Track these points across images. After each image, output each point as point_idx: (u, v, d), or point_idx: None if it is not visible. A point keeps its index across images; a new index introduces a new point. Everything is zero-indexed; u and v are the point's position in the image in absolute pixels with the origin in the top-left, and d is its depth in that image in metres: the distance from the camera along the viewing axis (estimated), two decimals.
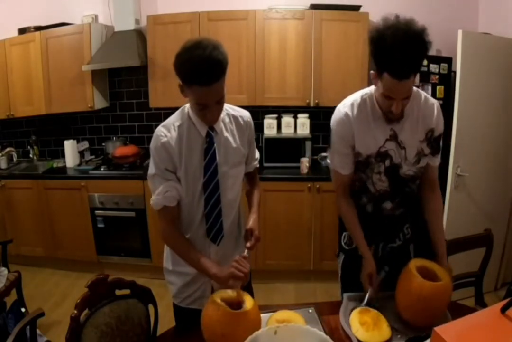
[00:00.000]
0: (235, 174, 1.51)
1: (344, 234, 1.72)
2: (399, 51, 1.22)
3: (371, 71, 1.39)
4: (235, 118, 1.51)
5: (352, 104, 1.50)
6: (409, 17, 1.29)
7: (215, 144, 1.43)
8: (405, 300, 1.39)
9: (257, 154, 1.67)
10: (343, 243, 1.73)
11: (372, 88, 1.49)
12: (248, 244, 1.45)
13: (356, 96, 1.52)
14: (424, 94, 1.52)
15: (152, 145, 1.42)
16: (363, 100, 1.49)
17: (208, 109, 1.32)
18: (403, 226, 1.66)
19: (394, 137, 1.48)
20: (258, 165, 1.68)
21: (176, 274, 1.57)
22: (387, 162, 1.49)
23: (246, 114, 1.55)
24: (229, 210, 1.52)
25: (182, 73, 1.26)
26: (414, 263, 1.43)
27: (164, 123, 1.44)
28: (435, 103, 1.52)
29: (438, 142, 1.56)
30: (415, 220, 1.63)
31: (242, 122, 1.52)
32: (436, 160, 1.58)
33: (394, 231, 1.65)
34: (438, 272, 1.40)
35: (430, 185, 1.59)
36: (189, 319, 1.52)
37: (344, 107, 1.51)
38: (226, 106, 1.48)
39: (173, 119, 1.44)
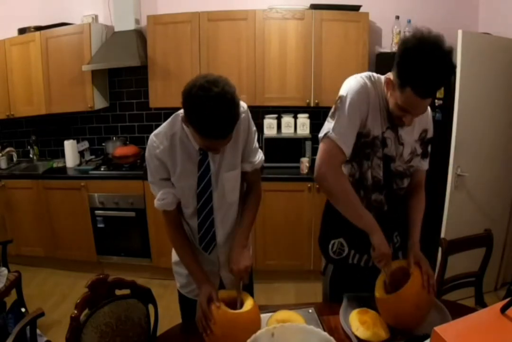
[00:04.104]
0: (231, 177, 1.46)
1: (332, 242, 1.59)
2: (426, 70, 1.19)
3: (387, 76, 1.36)
4: None
5: (369, 77, 1.41)
6: (438, 33, 1.22)
7: (209, 157, 1.40)
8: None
9: (258, 156, 1.52)
10: (331, 252, 1.60)
11: (381, 76, 1.43)
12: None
13: (369, 73, 1.43)
14: None
15: (146, 154, 1.42)
16: (376, 82, 1.42)
17: (213, 151, 1.33)
18: (392, 234, 1.58)
19: (394, 129, 1.44)
20: (257, 167, 1.53)
21: (182, 265, 1.55)
22: (385, 150, 1.45)
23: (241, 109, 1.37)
24: (226, 218, 1.50)
25: (194, 124, 1.20)
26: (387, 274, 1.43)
27: (156, 132, 1.41)
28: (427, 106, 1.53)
29: (428, 146, 1.57)
30: (403, 228, 1.57)
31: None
32: (425, 164, 1.59)
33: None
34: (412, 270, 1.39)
35: (416, 187, 1.59)
36: (195, 311, 1.50)
37: (362, 77, 1.40)
38: None
39: (166, 128, 1.40)
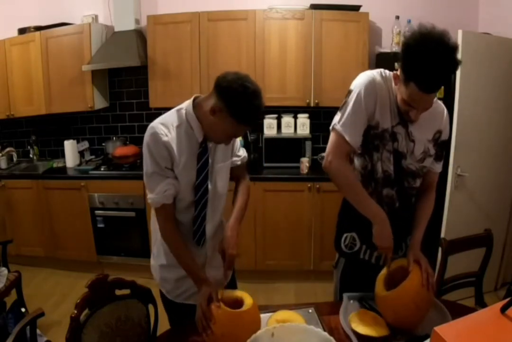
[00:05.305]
0: (224, 168, 1.52)
1: (345, 235, 1.62)
2: (430, 66, 1.19)
3: (394, 72, 1.38)
4: None
5: (379, 73, 1.44)
6: (443, 29, 1.23)
7: (209, 151, 1.44)
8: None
9: (243, 151, 1.63)
10: (343, 246, 1.62)
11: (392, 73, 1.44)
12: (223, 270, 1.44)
13: (381, 70, 1.46)
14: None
15: (151, 142, 1.35)
16: (387, 77, 1.44)
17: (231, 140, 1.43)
18: (406, 237, 1.58)
19: (404, 125, 1.45)
20: (244, 161, 1.63)
21: (171, 268, 1.52)
22: (395, 145, 1.46)
23: None
24: (216, 210, 1.53)
25: (239, 114, 1.29)
26: (387, 269, 1.45)
27: (162, 121, 1.39)
28: (445, 108, 1.55)
29: (443, 148, 1.57)
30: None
31: None
32: (438, 167, 1.59)
33: (397, 239, 1.50)
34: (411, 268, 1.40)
35: (427, 188, 1.60)
36: (185, 316, 1.48)
37: (372, 72, 1.44)
38: None
39: (171, 119, 1.40)
